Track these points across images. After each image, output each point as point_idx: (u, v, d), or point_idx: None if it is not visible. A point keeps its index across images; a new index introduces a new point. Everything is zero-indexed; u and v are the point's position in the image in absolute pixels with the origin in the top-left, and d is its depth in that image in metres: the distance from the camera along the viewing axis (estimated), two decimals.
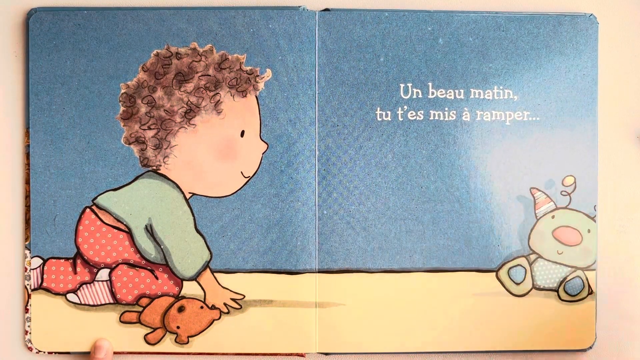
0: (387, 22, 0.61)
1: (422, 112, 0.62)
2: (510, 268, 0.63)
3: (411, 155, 0.62)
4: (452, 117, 0.62)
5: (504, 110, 0.62)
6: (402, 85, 0.62)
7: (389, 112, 0.62)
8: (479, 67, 0.62)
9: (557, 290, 0.63)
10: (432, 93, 0.62)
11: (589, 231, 0.63)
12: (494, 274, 0.62)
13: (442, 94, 0.62)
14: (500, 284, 0.63)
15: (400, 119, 0.62)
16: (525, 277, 0.63)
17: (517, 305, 0.63)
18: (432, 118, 0.62)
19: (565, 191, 0.63)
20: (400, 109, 0.62)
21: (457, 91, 0.62)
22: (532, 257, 0.63)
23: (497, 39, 0.62)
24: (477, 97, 0.62)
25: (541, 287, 0.63)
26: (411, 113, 0.62)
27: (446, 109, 0.62)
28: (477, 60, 0.62)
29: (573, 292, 0.63)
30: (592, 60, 0.63)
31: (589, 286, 0.63)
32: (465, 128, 0.62)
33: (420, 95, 0.62)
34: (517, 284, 0.63)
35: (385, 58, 0.62)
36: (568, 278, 0.63)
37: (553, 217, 0.63)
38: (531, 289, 0.63)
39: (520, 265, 0.63)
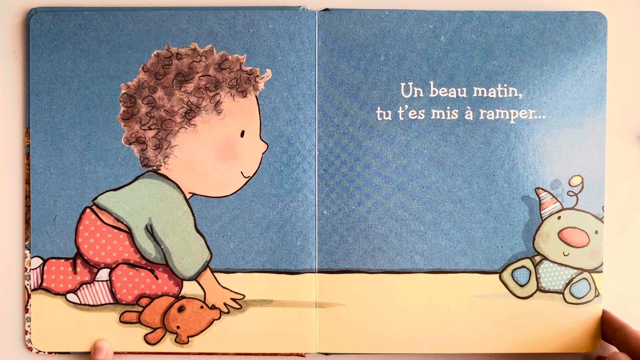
0: (387, 21, 0.61)
1: (424, 111, 0.61)
2: (514, 270, 0.61)
3: (412, 155, 0.61)
4: (455, 116, 0.61)
5: (508, 108, 0.61)
6: (402, 84, 0.61)
7: (389, 112, 0.61)
8: (482, 65, 0.61)
9: (562, 293, 0.62)
10: (434, 92, 0.61)
11: (596, 232, 0.62)
12: (497, 275, 0.61)
13: (444, 93, 0.61)
14: (503, 286, 0.61)
15: (401, 118, 0.61)
16: (529, 279, 0.62)
17: (521, 307, 0.62)
18: (433, 117, 0.61)
19: (572, 191, 0.62)
20: (401, 108, 0.61)
21: (459, 89, 0.61)
22: (537, 258, 0.62)
23: (501, 35, 0.61)
24: (480, 96, 0.61)
25: (546, 289, 0.62)
26: (412, 112, 0.61)
27: (448, 107, 0.61)
28: (480, 58, 0.61)
29: (579, 294, 0.62)
30: (600, 56, 0.61)
31: (596, 288, 0.62)
32: (468, 127, 0.61)
33: (421, 94, 0.61)
34: (522, 286, 0.62)
35: (386, 57, 0.61)
36: (574, 280, 0.62)
37: (559, 217, 0.62)
38: (536, 291, 0.62)
39: (525, 267, 0.61)
